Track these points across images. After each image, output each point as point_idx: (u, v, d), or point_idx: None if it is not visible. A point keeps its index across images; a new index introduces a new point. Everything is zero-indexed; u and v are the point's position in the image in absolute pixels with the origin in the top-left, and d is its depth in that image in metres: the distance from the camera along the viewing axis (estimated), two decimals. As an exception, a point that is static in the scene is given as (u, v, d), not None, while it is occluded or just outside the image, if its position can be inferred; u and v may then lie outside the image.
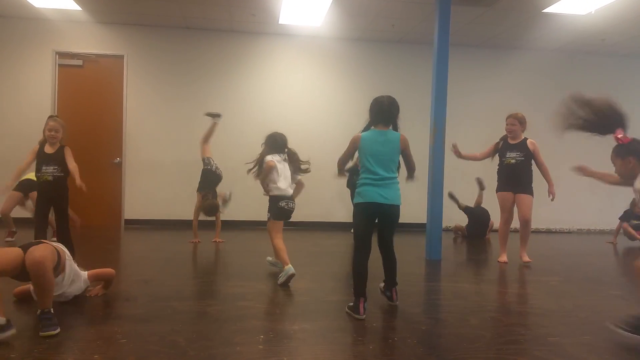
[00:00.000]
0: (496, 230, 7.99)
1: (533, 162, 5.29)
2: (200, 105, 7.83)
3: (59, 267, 3.01)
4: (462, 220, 7.61)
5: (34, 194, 5.44)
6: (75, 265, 3.30)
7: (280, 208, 4.45)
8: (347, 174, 7.25)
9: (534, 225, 5.72)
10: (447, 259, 5.68)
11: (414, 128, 8.12)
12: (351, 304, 3.27)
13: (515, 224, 5.49)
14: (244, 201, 7.34)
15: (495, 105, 8.46)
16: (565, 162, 7.63)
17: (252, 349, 2.56)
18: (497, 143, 5.52)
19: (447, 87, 5.56)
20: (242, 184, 7.55)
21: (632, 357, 2.67)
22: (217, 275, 4.41)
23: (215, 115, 6.24)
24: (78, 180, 4.48)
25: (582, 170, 3.72)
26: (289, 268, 4.11)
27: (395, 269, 3.51)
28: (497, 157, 5.53)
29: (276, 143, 4.67)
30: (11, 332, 2.55)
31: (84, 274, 3.38)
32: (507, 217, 5.43)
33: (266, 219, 4.61)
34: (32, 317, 2.88)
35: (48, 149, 4.63)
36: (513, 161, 5.27)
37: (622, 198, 8.21)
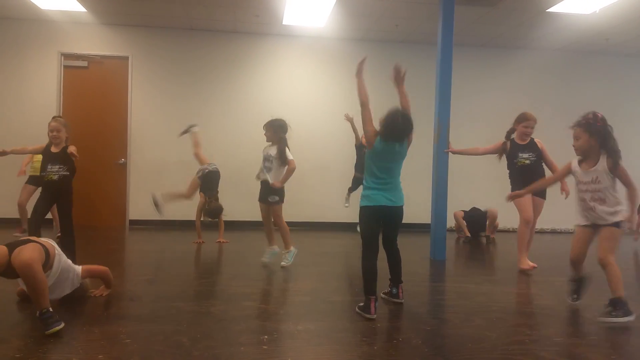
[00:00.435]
0: (504, 231, 8.04)
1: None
2: (205, 105, 7.87)
3: (47, 264, 2.98)
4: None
5: None
6: (65, 259, 3.21)
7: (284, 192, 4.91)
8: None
9: (539, 225, 5.66)
10: (452, 259, 5.67)
11: (418, 128, 8.13)
12: (362, 304, 3.25)
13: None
14: (247, 201, 7.33)
15: (499, 104, 8.45)
16: (567, 159, 7.67)
17: (257, 349, 2.56)
18: (505, 143, 5.21)
19: (451, 86, 5.55)
20: (245, 184, 7.58)
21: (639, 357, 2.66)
22: (221, 275, 4.42)
23: (189, 129, 6.45)
24: (73, 148, 4.57)
25: (513, 197, 4.04)
26: (295, 249, 4.80)
27: (400, 266, 3.57)
28: (504, 159, 5.31)
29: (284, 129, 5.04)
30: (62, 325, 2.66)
31: (78, 268, 3.31)
32: (528, 219, 4.98)
33: (273, 203, 4.88)
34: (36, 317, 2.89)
35: (53, 149, 4.67)
36: (527, 162, 5.04)
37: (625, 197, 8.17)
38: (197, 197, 6.62)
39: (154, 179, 7.65)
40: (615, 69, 8.71)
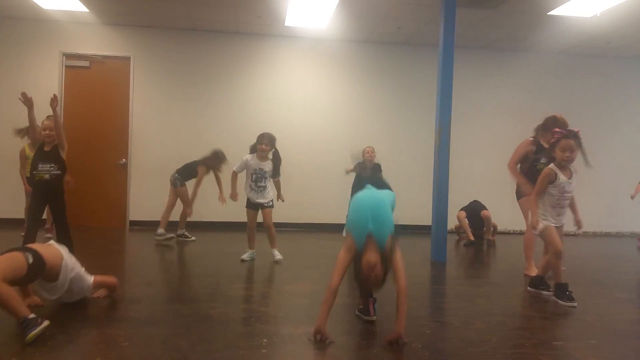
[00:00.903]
0: (504, 233, 8.02)
1: None
2: (206, 106, 7.86)
3: (51, 274, 2.96)
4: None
5: None
6: (79, 270, 3.19)
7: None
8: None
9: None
10: (452, 262, 5.65)
11: (419, 129, 8.19)
12: (361, 306, 3.24)
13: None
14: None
15: (500, 107, 8.46)
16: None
17: (256, 353, 2.55)
18: (532, 142, 4.97)
19: (452, 88, 5.54)
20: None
21: (639, 362, 2.65)
22: (221, 277, 4.40)
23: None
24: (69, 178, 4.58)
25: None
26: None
27: None
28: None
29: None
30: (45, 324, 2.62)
31: (90, 279, 3.28)
32: (558, 250, 4.87)
33: (268, 207, 5.23)
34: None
35: (45, 147, 4.52)
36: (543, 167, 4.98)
37: (627, 203, 8.18)
38: (200, 197, 6.65)
39: (155, 180, 7.64)
40: (617, 72, 8.70)
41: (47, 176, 4.42)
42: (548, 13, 6.48)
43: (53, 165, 4.45)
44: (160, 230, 6.35)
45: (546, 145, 4.82)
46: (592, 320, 3.42)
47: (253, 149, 5.32)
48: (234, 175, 5.21)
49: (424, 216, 6.50)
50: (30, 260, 2.81)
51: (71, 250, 4.34)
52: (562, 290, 3.87)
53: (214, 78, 7.91)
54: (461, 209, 7.36)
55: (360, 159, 7.11)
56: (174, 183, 6.40)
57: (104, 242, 6.33)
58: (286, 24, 7.29)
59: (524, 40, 7.80)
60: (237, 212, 7.55)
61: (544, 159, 4.75)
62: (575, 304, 3.75)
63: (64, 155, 4.47)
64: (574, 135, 3.94)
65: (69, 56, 7.63)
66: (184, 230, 6.55)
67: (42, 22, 7.44)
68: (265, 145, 5.16)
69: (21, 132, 5.84)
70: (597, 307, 3.82)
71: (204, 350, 2.54)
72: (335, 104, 8.17)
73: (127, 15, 7.23)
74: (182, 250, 5.92)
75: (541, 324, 3.32)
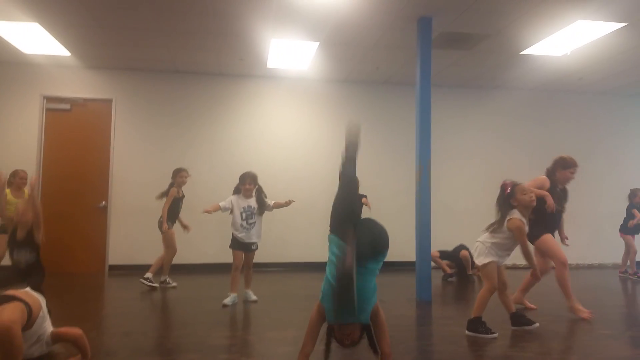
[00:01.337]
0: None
1: None
2: (189, 147, 7.86)
3: (27, 324, 2.85)
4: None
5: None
6: (48, 323, 3.07)
7: None
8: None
9: (520, 262, 5.64)
10: (438, 300, 5.62)
11: (400, 165, 8.27)
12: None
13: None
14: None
15: (478, 143, 8.61)
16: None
17: (237, 407, 2.48)
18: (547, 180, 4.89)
19: (431, 126, 5.64)
20: (229, 225, 7.52)
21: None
22: (201, 324, 4.31)
23: None
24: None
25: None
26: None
27: None
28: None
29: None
30: None
31: (49, 332, 3.07)
32: (564, 260, 4.75)
33: (254, 250, 5.45)
34: None
35: (19, 233, 3.80)
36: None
37: (610, 232, 8.29)
38: (182, 241, 6.57)
39: (135, 223, 7.56)
40: (589, 107, 8.96)
41: (23, 264, 4.13)
42: (521, 52, 6.69)
43: (28, 252, 3.89)
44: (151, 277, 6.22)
45: (560, 186, 4.95)
46: (576, 359, 3.41)
47: (237, 190, 5.41)
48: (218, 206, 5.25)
49: (407, 252, 6.49)
50: (28, 311, 2.79)
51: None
52: (477, 324, 4.04)
53: (196, 119, 7.94)
54: (438, 250, 7.34)
55: None
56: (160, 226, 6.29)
57: (81, 289, 6.17)
58: (268, 65, 7.40)
59: (499, 78, 8.02)
60: (221, 254, 7.51)
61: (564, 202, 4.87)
62: (495, 335, 3.94)
63: (39, 237, 4.14)
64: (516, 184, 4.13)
65: (50, 99, 7.62)
66: (167, 276, 6.39)
67: (23, 65, 7.45)
68: (249, 184, 5.30)
69: None
70: (581, 345, 3.82)
71: (183, 407, 2.47)
72: (317, 142, 8.24)
73: (109, 58, 7.28)
74: (161, 296, 5.80)
75: (526, 366, 3.29)
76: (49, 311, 3.22)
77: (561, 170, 4.90)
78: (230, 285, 5.26)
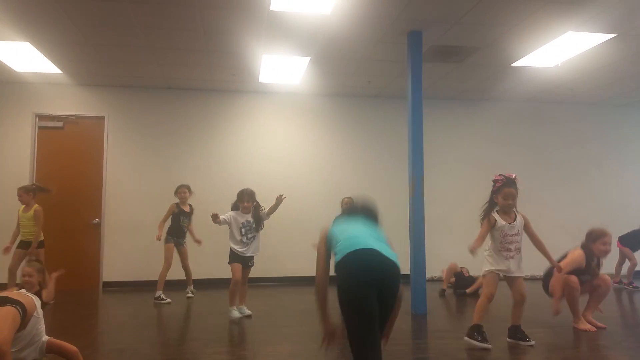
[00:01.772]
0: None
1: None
2: (182, 163, 7.85)
3: (21, 324, 2.83)
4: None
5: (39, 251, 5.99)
6: (43, 325, 3.05)
7: None
8: None
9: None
10: (433, 313, 5.60)
11: (393, 178, 8.29)
12: None
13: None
14: (226, 259, 7.26)
15: (471, 154, 8.65)
16: (538, 209, 7.78)
17: None
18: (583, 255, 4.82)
19: (423, 139, 5.67)
20: (222, 241, 7.49)
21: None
22: (196, 341, 4.27)
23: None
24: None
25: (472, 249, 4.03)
26: None
27: None
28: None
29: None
30: None
31: (45, 340, 3.06)
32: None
33: (251, 266, 5.50)
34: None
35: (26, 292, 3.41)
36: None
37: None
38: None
39: (129, 239, 7.53)
40: (580, 117, 9.02)
41: None
42: (512, 64, 6.75)
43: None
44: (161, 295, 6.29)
45: (597, 254, 4.79)
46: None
47: (235, 207, 5.44)
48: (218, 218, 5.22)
49: (402, 265, 6.46)
50: (21, 313, 2.77)
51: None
52: (475, 331, 4.08)
53: (189, 135, 7.95)
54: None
55: None
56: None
57: (75, 306, 6.11)
58: (260, 80, 7.44)
59: (491, 90, 8.08)
60: (215, 270, 7.48)
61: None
62: (489, 346, 3.95)
63: (45, 296, 4.09)
64: (513, 183, 4.18)
65: (42, 117, 7.61)
66: (161, 292, 6.36)
67: (15, 83, 7.45)
68: (247, 202, 5.36)
69: None
70: (577, 356, 3.81)
71: None
72: (310, 155, 8.26)
73: (101, 76, 7.29)
74: (155, 313, 5.75)
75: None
76: (45, 304, 3.19)
77: (593, 243, 4.82)
78: (230, 300, 5.24)
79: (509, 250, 4.14)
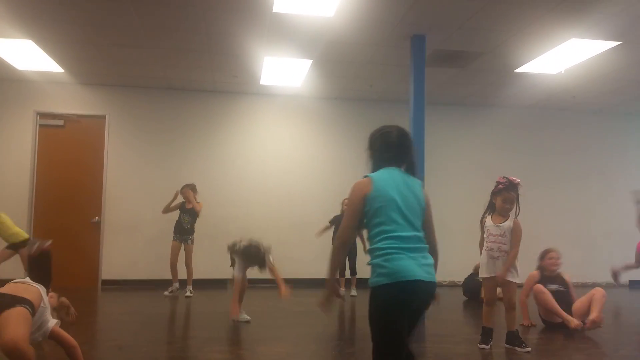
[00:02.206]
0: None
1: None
2: (182, 164, 7.85)
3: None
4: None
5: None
6: (48, 312, 3.04)
7: None
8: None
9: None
10: (431, 317, 5.57)
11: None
12: None
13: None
14: (225, 259, 7.25)
15: (472, 160, 8.63)
16: (538, 215, 7.78)
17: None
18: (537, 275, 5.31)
19: (425, 144, 5.66)
20: (222, 242, 7.47)
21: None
22: (194, 339, 4.26)
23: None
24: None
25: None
26: None
27: None
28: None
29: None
30: None
31: (51, 325, 3.02)
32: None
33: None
34: None
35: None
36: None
37: (603, 252, 8.32)
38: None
39: (128, 238, 7.53)
40: (582, 125, 9.01)
41: None
42: (515, 70, 6.76)
43: None
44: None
45: (549, 268, 5.20)
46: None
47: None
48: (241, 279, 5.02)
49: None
50: (31, 311, 2.78)
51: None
52: (482, 333, 4.25)
53: (189, 135, 7.95)
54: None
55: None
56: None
57: (74, 303, 6.00)
58: (261, 82, 7.45)
59: (493, 96, 8.08)
60: (215, 270, 7.47)
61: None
62: (485, 347, 4.12)
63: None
64: (514, 188, 4.18)
65: (43, 115, 7.62)
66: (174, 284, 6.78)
67: (17, 82, 7.45)
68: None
69: None
70: (575, 362, 3.79)
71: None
72: (311, 159, 8.25)
73: (103, 75, 7.30)
74: (154, 312, 5.74)
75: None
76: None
77: (542, 260, 5.29)
78: (233, 308, 4.93)
79: (492, 250, 4.17)
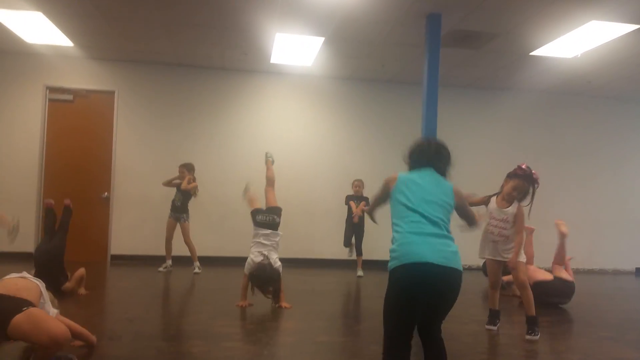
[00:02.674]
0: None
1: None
2: (190, 141, 7.84)
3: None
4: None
5: None
6: (49, 305, 3.00)
7: None
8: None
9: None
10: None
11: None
12: None
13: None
14: (232, 238, 7.29)
15: (484, 144, 8.56)
16: (553, 201, 7.74)
17: (239, 394, 2.47)
18: None
19: (437, 126, 5.61)
20: (230, 220, 7.52)
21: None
22: (203, 314, 4.30)
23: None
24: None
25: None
26: None
27: None
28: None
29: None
30: None
31: (52, 313, 2.98)
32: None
33: None
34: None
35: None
36: None
37: (612, 239, 8.30)
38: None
39: (137, 213, 7.56)
40: (597, 111, 8.89)
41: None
42: (530, 53, 6.65)
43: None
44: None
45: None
46: (577, 359, 3.40)
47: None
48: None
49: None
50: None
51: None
52: (492, 315, 4.28)
53: (198, 113, 7.92)
54: None
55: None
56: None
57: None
58: (272, 60, 7.38)
59: (507, 79, 7.98)
60: (220, 248, 7.52)
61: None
62: (492, 328, 4.17)
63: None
64: (530, 180, 4.06)
65: (52, 90, 7.59)
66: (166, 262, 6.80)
67: (26, 55, 7.42)
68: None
69: None
70: (582, 346, 3.81)
71: (185, 392, 2.46)
72: (320, 139, 8.22)
73: (112, 49, 7.25)
74: (163, 286, 5.80)
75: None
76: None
77: None
78: (244, 294, 4.74)
79: (492, 233, 4.11)
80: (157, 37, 6.65)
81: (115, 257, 7.54)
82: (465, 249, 7.24)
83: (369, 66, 7.57)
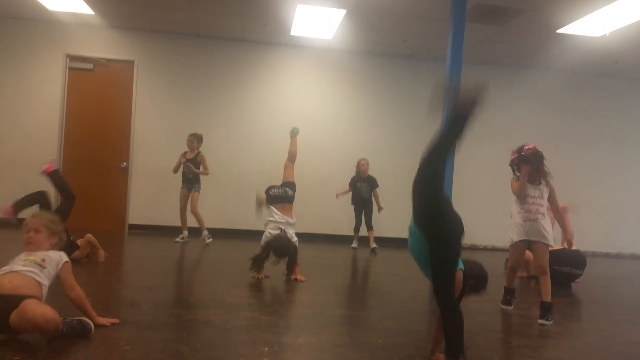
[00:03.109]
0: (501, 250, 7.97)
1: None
2: (208, 112, 7.85)
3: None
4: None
5: None
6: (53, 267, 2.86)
7: None
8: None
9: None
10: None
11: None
12: None
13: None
14: (249, 210, 7.32)
15: (505, 123, 8.40)
16: (570, 182, 7.64)
17: (258, 362, 2.51)
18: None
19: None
20: (247, 192, 7.55)
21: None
22: (221, 284, 4.35)
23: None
24: None
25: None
26: None
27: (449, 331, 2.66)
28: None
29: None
30: None
31: (61, 260, 2.88)
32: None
33: None
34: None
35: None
36: None
37: (631, 223, 8.17)
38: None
39: (156, 184, 7.63)
40: (623, 92, 8.69)
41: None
42: (557, 31, 6.49)
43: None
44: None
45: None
46: (594, 341, 3.39)
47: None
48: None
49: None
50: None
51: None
52: (508, 294, 4.21)
53: (217, 84, 7.90)
54: None
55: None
56: None
57: (102, 245, 6.25)
58: (292, 33, 7.30)
59: (531, 57, 7.81)
60: (237, 220, 7.58)
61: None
62: (507, 307, 4.12)
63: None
64: (525, 159, 3.99)
65: (73, 58, 7.62)
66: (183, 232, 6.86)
67: (47, 23, 7.43)
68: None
69: None
70: (598, 328, 3.79)
71: (205, 357, 2.51)
72: (337, 114, 8.16)
73: (132, 18, 7.23)
74: (180, 256, 5.88)
75: (542, 343, 3.29)
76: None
77: None
78: (260, 266, 4.73)
79: (530, 212, 3.92)
80: (176, 7, 6.61)
81: (133, 227, 7.65)
82: (483, 229, 7.24)
83: (391, 41, 7.45)
